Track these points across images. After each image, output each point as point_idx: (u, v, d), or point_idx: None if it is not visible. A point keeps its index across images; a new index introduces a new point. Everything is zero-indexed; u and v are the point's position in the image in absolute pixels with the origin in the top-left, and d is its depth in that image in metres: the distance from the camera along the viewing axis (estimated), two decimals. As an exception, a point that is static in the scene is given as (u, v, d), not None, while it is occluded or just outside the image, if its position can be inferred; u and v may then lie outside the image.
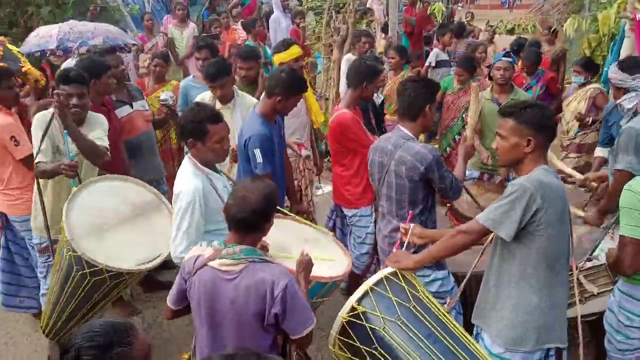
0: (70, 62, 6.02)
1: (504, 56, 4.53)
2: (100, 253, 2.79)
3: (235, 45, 7.61)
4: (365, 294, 2.15)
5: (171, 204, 4.20)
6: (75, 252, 2.78)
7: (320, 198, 5.13)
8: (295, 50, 4.22)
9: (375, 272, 4.02)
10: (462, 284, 2.60)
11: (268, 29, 8.64)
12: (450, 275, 2.98)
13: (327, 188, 4.77)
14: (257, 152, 3.19)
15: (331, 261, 2.71)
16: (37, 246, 3.44)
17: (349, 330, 2.13)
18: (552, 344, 2.22)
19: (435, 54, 7.19)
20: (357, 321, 2.13)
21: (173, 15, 7.93)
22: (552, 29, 7.41)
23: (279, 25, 8.40)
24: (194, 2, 10.67)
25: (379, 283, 2.19)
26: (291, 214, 3.30)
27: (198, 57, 4.73)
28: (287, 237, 2.79)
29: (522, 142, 2.19)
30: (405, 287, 2.18)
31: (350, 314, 2.14)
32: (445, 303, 2.55)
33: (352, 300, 2.15)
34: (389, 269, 2.26)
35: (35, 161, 3.10)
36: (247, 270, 1.95)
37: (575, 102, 5.05)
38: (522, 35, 8.25)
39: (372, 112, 4.28)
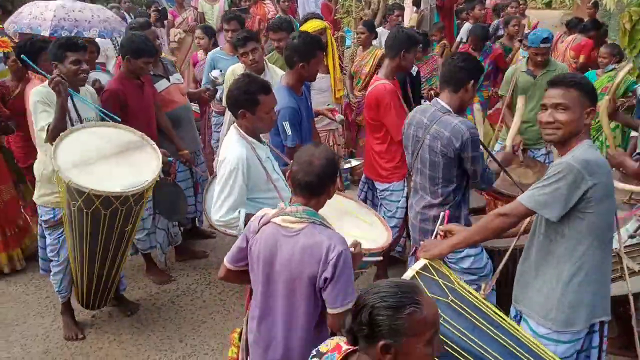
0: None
1: (541, 43, 4.25)
2: (85, 181, 2.94)
3: (265, 20, 7.60)
4: None
5: (210, 175, 4.37)
6: (68, 188, 2.95)
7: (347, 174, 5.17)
8: (313, 24, 4.21)
9: (404, 246, 4.12)
10: (501, 265, 2.46)
11: (297, 2, 8.56)
12: (484, 251, 2.95)
13: (355, 162, 4.78)
14: (286, 124, 3.23)
15: (372, 230, 2.74)
16: (45, 223, 3.43)
17: None
18: (598, 319, 2.18)
19: (467, 28, 6.93)
20: None
21: (204, -11, 7.93)
22: (594, 1, 7.15)
23: (308, 0, 8.32)
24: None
25: (412, 280, 2.05)
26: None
27: (227, 28, 4.77)
28: (326, 207, 2.85)
29: (584, 113, 2.13)
30: (440, 280, 2.08)
31: None
32: (478, 287, 2.45)
33: None
34: (420, 263, 2.13)
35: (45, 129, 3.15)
36: (306, 231, 1.97)
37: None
38: (558, 9, 7.98)
39: (410, 84, 4.24)
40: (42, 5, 4.98)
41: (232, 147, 2.67)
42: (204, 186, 3.95)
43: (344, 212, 2.92)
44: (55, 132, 3.08)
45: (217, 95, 4.71)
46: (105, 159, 3.13)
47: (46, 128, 3.10)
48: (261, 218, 2.10)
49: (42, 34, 4.54)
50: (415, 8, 7.66)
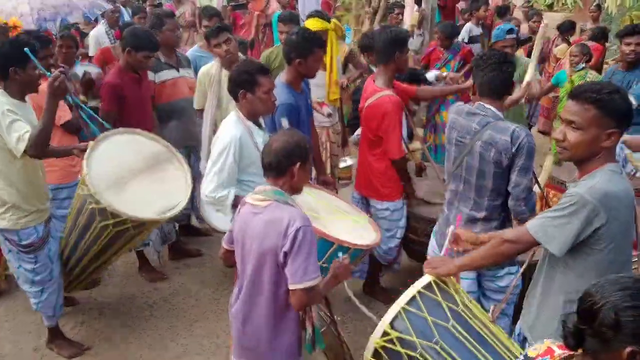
0: (100, 29, 6.07)
1: (507, 33, 4.44)
2: (123, 205, 2.93)
3: (263, 15, 7.53)
4: (399, 315, 1.96)
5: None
6: (98, 204, 2.91)
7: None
8: (316, 23, 4.09)
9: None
10: (511, 286, 2.39)
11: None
12: (519, 268, 2.70)
13: (351, 161, 4.71)
14: (284, 121, 3.19)
15: (360, 227, 2.74)
16: (27, 247, 3.02)
17: (384, 355, 1.98)
18: None
19: (468, 28, 6.83)
20: (392, 347, 1.96)
21: (202, -16, 7.85)
22: (597, 4, 7.16)
23: (309, -4, 8.24)
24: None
25: (412, 300, 1.99)
26: (318, 186, 3.32)
27: (208, 24, 4.56)
28: (318, 200, 2.85)
29: (602, 135, 1.84)
30: (442, 301, 1.99)
31: (384, 339, 1.96)
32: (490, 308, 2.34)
33: (385, 322, 1.97)
34: (423, 281, 2.05)
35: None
36: (270, 207, 2.07)
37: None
38: (559, 11, 7.99)
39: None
40: (12, 0, 4.56)
41: (228, 127, 2.79)
42: (200, 181, 3.91)
43: (334, 211, 2.91)
44: (42, 139, 2.75)
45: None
46: (137, 177, 3.11)
47: (27, 137, 2.71)
48: (243, 201, 2.22)
49: (24, 29, 4.22)
50: (416, 7, 7.61)
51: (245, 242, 2.14)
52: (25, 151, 2.75)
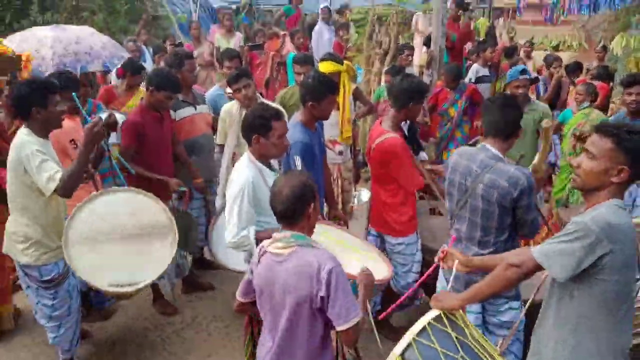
0: (114, 78, 6.26)
1: (520, 73, 4.57)
2: (82, 262, 2.91)
3: (278, 55, 7.78)
4: (409, 346, 2.01)
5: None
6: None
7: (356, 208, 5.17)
8: (329, 66, 4.26)
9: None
10: (517, 321, 2.42)
11: (311, 39, 8.78)
12: (522, 304, 2.80)
13: (365, 196, 4.78)
14: (298, 159, 3.31)
15: (373, 260, 2.77)
16: (48, 283, 3.09)
17: None
18: None
19: (475, 69, 7.04)
20: None
21: (220, 25, 8.19)
22: (602, 45, 7.34)
23: (321, 37, 8.53)
24: (237, 12, 11.03)
25: (422, 332, 2.04)
26: (327, 222, 3.39)
27: (229, 65, 4.71)
28: (328, 236, 2.90)
29: (613, 169, 1.94)
30: (452, 333, 2.04)
31: None
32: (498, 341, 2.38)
33: (396, 353, 2.01)
34: (433, 313, 2.11)
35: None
36: (295, 254, 2.05)
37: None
38: (566, 52, 8.17)
39: (407, 128, 4.26)
40: (34, 41, 4.64)
41: (241, 170, 2.83)
42: (215, 216, 3.99)
43: (345, 246, 2.96)
44: (73, 181, 2.81)
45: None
46: (117, 241, 3.01)
47: (58, 177, 2.79)
48: (261, 249, 2.20)
49: (45, 73, 4.30)
50: (425, 48, 7.83)
51: (274, 293, 2.10)
52: (55, 190, 2.81)
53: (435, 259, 2.48)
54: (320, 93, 3.36)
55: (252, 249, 2.74)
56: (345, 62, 4.60)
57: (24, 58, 3.47)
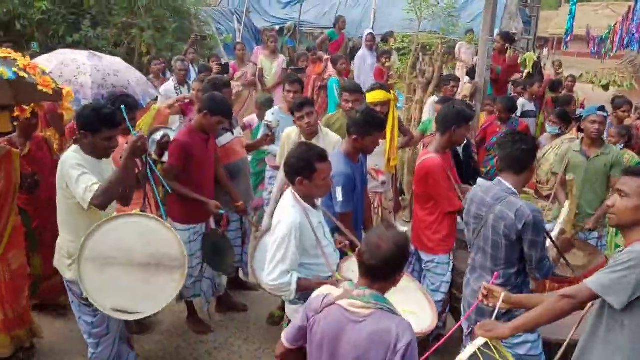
0: (169, 84, 6.47)
1: (598, 110, 4.41)
2: (91, 281, 2.91)
3: (320, 79, 7.86)
4: None
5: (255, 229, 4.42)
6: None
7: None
8: (378, 95, 4.27)
9: (444, 322, 3.96)
10: (560, 353, 2.45)
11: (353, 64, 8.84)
12: (540, 338, 2.86)
13: (402, 229, 4.71)
14: (339, 190, 3.31)
15: (414, 314, 2.64)
16: None
17: None
18: None
19: (522, 103, 6.97)
20: None
21: (264, 47, 8.33)
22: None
23: (364, 63, 8.57)
24: (279, 33, 11.23)
25: (473, 357, 2.11)
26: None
27: (289, 89, 4.86)
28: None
29: None
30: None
31: None
32: None
33: None
34: (480, 340, 2.17)
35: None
36: (374, 316, 1.93)
37: (553, 153, 5.00)
38: (617, 93, 7.93)
39: (463, 156, 4.23)
40: (74, 67, 4.65)
41: (287, 211, 2.74)
42: (249, 238, 4.04)
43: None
44: (110, 191, 2.84)
45: (272, 150, 4.85)
46: (125, 266, 2.97)
47: (95, 188, 2.81)
48: (324, 297, 2.05)
49: (82, 101, 4.33)
50: (468, 79, 7.77)
51: (338, 351, 1.98)
52: (92, 201, 2.82)
53: (479, 296, 2.54)
54: (367, 130, 3.38)
55: (290, 296, 2.69)
56: (392, 92, 4.60)
57: (64, 93, 3.59)
